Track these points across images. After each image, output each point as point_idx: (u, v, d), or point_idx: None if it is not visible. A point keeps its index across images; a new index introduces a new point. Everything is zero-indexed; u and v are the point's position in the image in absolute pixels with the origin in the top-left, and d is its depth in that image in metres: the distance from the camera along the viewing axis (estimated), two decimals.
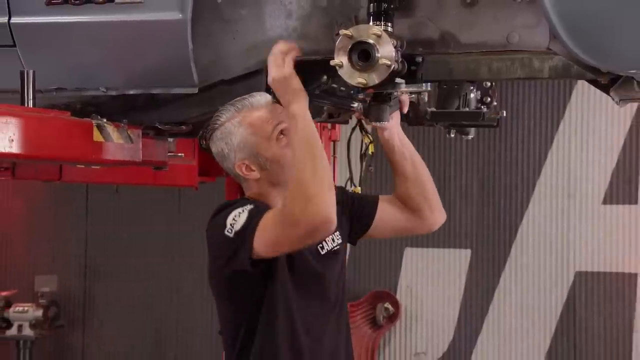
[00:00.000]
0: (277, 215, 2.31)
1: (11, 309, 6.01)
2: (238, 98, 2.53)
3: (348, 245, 2.72)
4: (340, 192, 2.68)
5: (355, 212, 2.66)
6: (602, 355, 5.57)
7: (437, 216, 2.71)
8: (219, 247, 2.39)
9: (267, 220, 2.31)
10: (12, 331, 5.99)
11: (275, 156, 2.43)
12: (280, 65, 2.33)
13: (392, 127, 2.59)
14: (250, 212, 2.34)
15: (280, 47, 2.37)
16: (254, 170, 2.46)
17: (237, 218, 2.33)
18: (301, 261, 2.45)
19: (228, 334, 2.51)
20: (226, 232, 2.33)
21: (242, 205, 2.38)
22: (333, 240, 2.55)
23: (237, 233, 2.32)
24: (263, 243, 2.30)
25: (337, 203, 2.57)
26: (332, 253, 2.54)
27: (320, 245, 2.52)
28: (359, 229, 2.68)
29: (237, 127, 2.46)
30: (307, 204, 2.21)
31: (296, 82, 2.33)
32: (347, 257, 2.69)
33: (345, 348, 2.58)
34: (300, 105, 2.31)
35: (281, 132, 2.45)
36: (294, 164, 2.31)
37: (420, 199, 2.66)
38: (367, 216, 2.67)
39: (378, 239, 2.99)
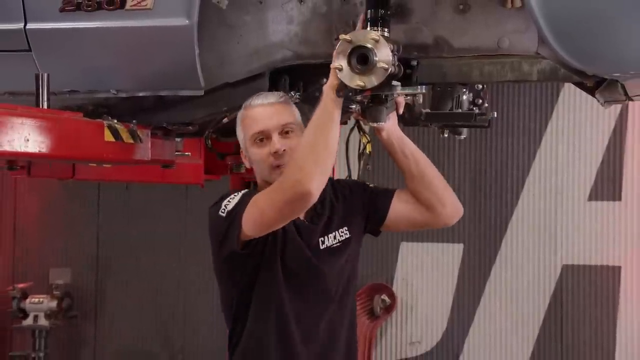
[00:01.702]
0: (271, 186, 2.35)
1: (27, 300, 6.02)
2: (256, 94, 2.55)
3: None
4: (361, 187, 2.69)
5: (370, 205, 2.65)
6: (588, 342, 5.56)
7: (449, 211, 2.62)
8: (216, 230, 2.42)
9: (256, 197, 2.34)
10: (28, 321, 6.00)
11: (253, 157, 2.48)
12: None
13: (390, 127, 2.56)
14: (243, 195, 2.40)
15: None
16: (247, 160, 2.53)
17: (231, 200, 2.39)
18: (294, 252, 2.45)
19: (225, 315, 2.55)
20: (220, 213, 2.39)
21: (238, 191, 2.44)
22: (335, 237, 2.55)
23: (228, 212, 2.37)
24: (251, 220, 2.32)
25: (355, 196, 2.60)
26: (332, 248, 2.53)
27: (322, 239, 2.52)
28: (375, 222, 2.66)
29: (239, 120, 2.54)
30: (296, 172, 2.25)
31: (328, 96, 2.29)
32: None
33: (346, 339, 2.56)
34: (327, 93, 2.29)
35: (262, 140, 2.46)
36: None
37: (428, 194, 2.60)
38: (381, 209, 2.64)
39: (392, 232, 2.97)
